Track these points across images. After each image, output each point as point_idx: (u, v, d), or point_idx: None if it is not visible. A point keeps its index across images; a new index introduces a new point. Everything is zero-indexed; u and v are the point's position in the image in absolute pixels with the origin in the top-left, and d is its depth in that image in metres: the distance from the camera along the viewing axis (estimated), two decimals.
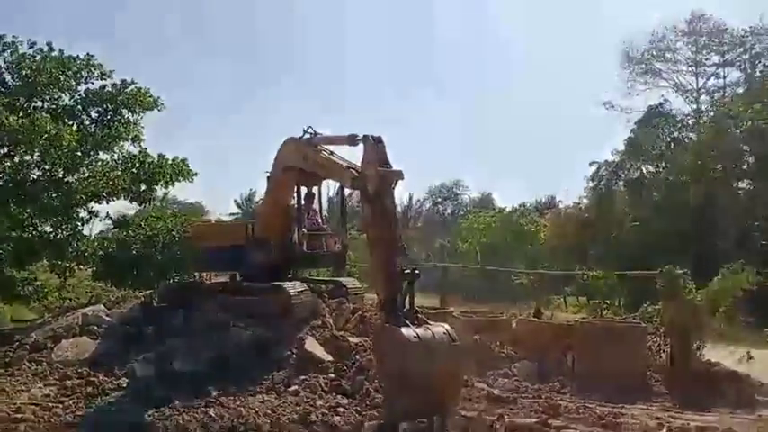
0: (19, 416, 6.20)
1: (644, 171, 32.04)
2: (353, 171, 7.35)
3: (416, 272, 6.63)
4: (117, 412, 6.56)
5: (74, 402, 6.92)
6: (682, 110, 34.79)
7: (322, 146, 8.26)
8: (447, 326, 6.60)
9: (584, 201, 35.77)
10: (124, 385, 7.66)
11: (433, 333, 6.22)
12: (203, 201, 46.79)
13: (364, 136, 7.13)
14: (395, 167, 6.92)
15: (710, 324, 10.35)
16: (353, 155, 7.60)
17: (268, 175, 9.85)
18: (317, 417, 6.51)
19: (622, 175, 32.99)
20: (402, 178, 7.00)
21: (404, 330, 6.04)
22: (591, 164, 33.53)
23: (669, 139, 30.28)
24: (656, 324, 10.55)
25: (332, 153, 8.17)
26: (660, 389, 9.13)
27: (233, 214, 45.63)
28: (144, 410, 6.50)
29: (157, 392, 7.24)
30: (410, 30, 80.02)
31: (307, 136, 8.43)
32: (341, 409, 6.91)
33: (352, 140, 7.49)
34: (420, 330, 6.15)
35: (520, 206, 35.82)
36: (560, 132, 79.07)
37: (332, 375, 7.93)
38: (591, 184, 34.11)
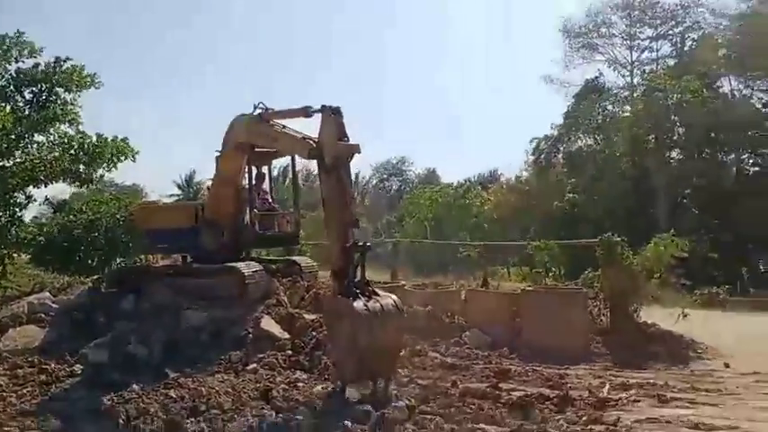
0: None
1: (581, 144, 33.11)
2: (310, 141, 7.34)
3: (368, 244, 6.91)
4: (74, 399, 6.50)
5: (28, 391, 6.79)
6: (617, 83, 36.04)
7: (274, 120, 8.23)
8: (395, 297, 6.91)
9: (525, 174, 36.79)
10: (78, 372, 7.54)
11: (381, 304, 6.53)
12: (141, 183, 45.44)
13: (322, 106, 7.13)
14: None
15: (646, 288, 10.94)
16: (307, 128, 7.63)
17: (217, 154, 9.74)
18: (278, 392, 6.62)
19: (561, 148, 34.01)
20: (359, 152, 7.10)
21: (354, 303, 6.31)
22: (531, 140, 34.44)
23: (605, 113, 31.27)
24: (596, 290, 11.09)
25: (284, 127, 8.15)
26: (602, 350, 9.68)
27: (173, 195, 44.55)
28: (102, 396, 6.46)
29: (113, 377, 7.17)
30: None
31: (258, 111, 8.34)
32: (300, 384, 7.03)
33: (306, 112, 7.52)
34: (370, 302, 6.44)
35: (465, 181, 36.41)
36: (502, 107, 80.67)
37: (289, 352, 8.02)
38: (531, 158, 35.09)
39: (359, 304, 6.33)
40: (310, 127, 7.52)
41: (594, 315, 10.86)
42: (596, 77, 35.16)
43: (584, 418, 6.08)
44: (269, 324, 8.64)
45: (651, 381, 7.84)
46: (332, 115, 7.04)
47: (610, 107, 32.75)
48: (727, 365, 8.89)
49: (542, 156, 34.24)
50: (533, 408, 6.30)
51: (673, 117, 29.28)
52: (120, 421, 5.77)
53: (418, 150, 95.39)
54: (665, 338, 10.06)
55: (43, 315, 9.53)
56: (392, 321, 6.58)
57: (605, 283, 10.80)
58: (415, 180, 55.61)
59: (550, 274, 19.35)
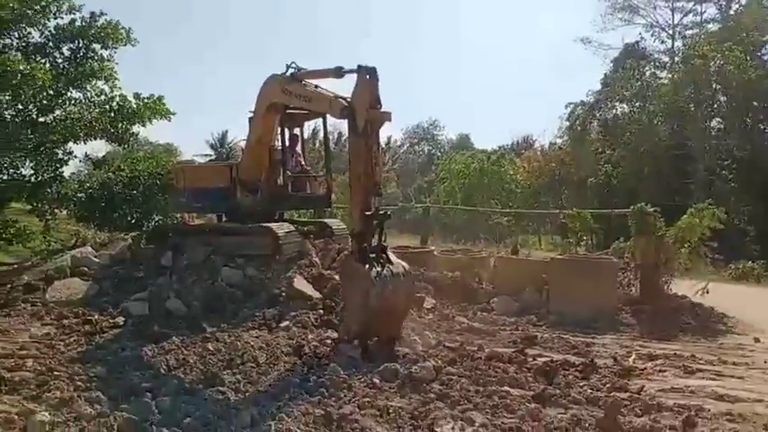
0: (24, 352, 6.44)
1: (618, 111, 32.34)
2: (342, 101, 7.44)
3: (388, 213, 7.34)
4: (118, 348, 6.83)
5: (74, 340, 7.16)
6: (658, 47, 34.88)
7: (306, 80, 8.32)
8: (406, 264, 7.33)
9: (560, 141, 36.20)
10: (120, 324, 7.90)
11: (392, 271, 6.96)
12: (174, 142, 46.17)
13: (358, 66, 7.18)
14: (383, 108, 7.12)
15: (678, 260, 10.84)
16: (340, 89, 7.71)
17: (251, 115, 9.89)
18: (310, 349, 6.85)
19: (598, 115, 33.30)
20: (389, 120, 7.22)
21: (367, 268, 6.73)
22: (567, 105, 33.74)
23: (643, 79, 30.35)
24: (627, 260, 11.04)
25: (317, 86, 8.22)
26: (630, 321, 9.65)
27: (207, 155, 45.13)
28: (143, 346, 6.79)
29: (154, 330, 7.48)
30: None
31: (290, 71, 8.39)
32: (329, 342, 7.26)
33: (337, 72, 7.62)
34: (384, 270, 6.86)
35: (499, 148, 35.98)
36: (538, 71, 78.97)
37: (320, 311, 8.25)
38: (566, 124, 34.46)
39: (371, 270, 6.73)
40: (344, 88, 7.60)
41: (624, 285, 10.85)
42: (636, 42, 34.11)
43: (607, 386, 6.16)
44: (301, 284, 8.87)
45: (678, 352, 7.83)
46: (367, 77, 7.10)
47: (649, 73, 31.78)
48: (757, 340, 8.82)
49: (578, 122, 33.60)
50: (558, 373, 6.40)
51: (714, 85, 28.35)
52: (162, 370, 6.06)
53: (450, 115, 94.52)
54: (696, 311, 9.99)
55: (86, 268, 9.96)
56: (401, 288, 7.03)
57: (636, 253, 10.74)
58: (447, 145, 55.19)
59: (582, 244, 19.23)
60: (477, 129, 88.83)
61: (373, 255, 6.93)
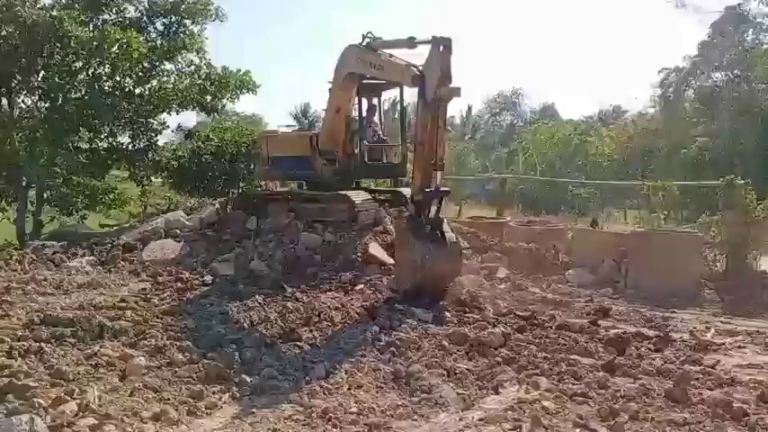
0: (123, 304, 7.06)
1: (717, 78, 30.36)
2: (414, 69, 7.65)
3: (448, 190, 7.99)
4: (206, 304, 7.36)
5: (167, 295, 7.75)
6: (763, 10, 32.29)
7: (381, 50, 8.49)
8: (456, 237, 8.13)
9: (652, 111, 34.49)
10: (209, 282, 8.46)
11: (443, 247, 7.63)
12: (260, 113, 47.58)
13: (432, 37, 7.34)
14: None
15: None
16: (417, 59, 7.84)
17: (329, 85, 10.14)
18: (383, 311, 7.12)
19: (694, 83, 31.42)
20: (459, 95, 7.44)
21: (419, 242, 7.41)
22: (660, 71, 32.01)
23: (745, 44, 28.26)
24: (713, 234, 10.61)
25: (391, 56, 8.41)
26: (713, 297, 9.36)
27: (290, 125, 46.22)
28: (230, 302, 7.29)
29: (239, 288, 7.99)
30: None
31: (366, 41, 8.60)
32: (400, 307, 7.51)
33: (410, 43, 7.85)
34: (435, 245, 7.51)
35: (587, 119, 34.63)
36: (628, 35, 74.98)
37: (393, 276, 8.48)
38: (659, 92, 32.74)
39: (423, 247, 7.39)
40: (421, 59, 7.69)
41: (710, 261, 10.45)
42: (738, 4, 31.71)
43: (681, 359, 6.07)
44: (376, 250, 9.14)
45: (761, 329, 7.55)
46: (440, 49, 7.19)
47: (751, 38, 29.57)
48: None
49: (671, 90, 31.86)
50: (630, 345, 6.35)
51: None
52: (245, 325, 6.50)
53: (535, 82, 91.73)
54: None
55: (178, 231, 10.68)
56: (450, 260, 7.75)
57: (724, 227, 10.30)
58: (530, 115, 53.77)
59: (664, 217, 18.47)
60: (563, 98, 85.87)
61: (429, 226, 7.51)
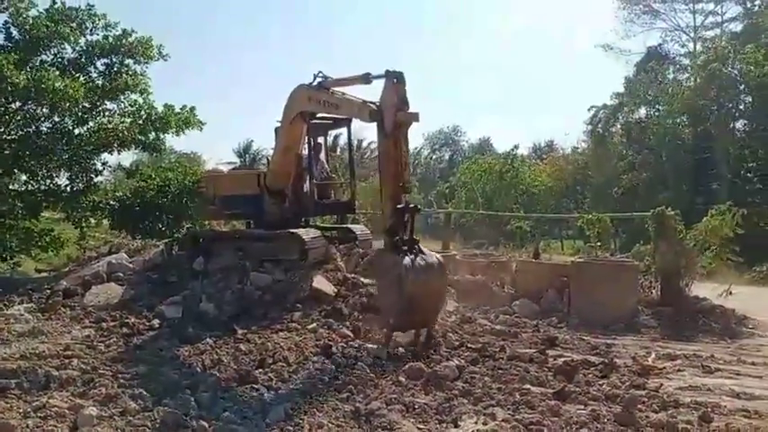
0: (68, 353, 6.82)
1: (641, 114, 32.22)
2: (371, 105, 7.83)
3: (418, 207, 7.90)
4: (157, 348, 7.19)
5: (114, 341, 7.52)
6: (680, 50, 34.72)
7: (333, 88, 8.66)
8: (438, 255, 7.74)
9: (583, 145, 36.14)
10: (156, 326, 8.26)
11: (426, 261, 7.29)
12: (199, 150, 47.06)
13: (386, 71, 7.55)
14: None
15: (699, 263, 10.92)
16: (368, 95, 8.12)
17: (278, 124, 10.24)
18: (337, 349, 7.14)
19: (621, 118, 33.20)
20: (417, 120, 7.58)
21: (403, 258, 7.05)
22: (589, 108, 33.74)
23: (666, 82, 30.20)
24: (647, 263, 11.15)
25: (344, 94, 8.60)
26: (650, 322, 9.79)
27: (231, 162, 45.86)
28: (180, 346, 7.14)
29: (188, 332, 7.84)
30: None
31: (318, 80, 8.75)
32: (354, 343, 7.54)
33: (366, 79, 8.05)
34: (417, 258, 7.18)
35: (513, 147, 35.63)
36: (560, 77, 78.74)
37: (346, 311, 8.53)
38: (589, 128, 34.41)
39: (406, 259, 7.04)
40: (373, 95, 7.96)
41: (645, 288, 10.96)
42: (659, 45, 34.03)
43: (626, 384, 6.34)
44: (321, 283, 9.18)
45: (697, 352, 7.96)
46: (395, 82, 7.45)
47: (671, 76, 31.64)
48: None
49: (600, 125, 33.55)
50: (578, 372, 6.59)
51: (740, 86, 28.09)
52: (198, 369, 6.39)
53: (472, 121, 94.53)
54: (716, 313, 10.07)
55: (121, 274, 10.40)
56: (436, 276, 7.35)
57: (657, 256, 10.84)
58: (468, 150, 55.25)
59: (603, 248, 19.24)
60: (499, 133, 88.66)
61: (405, 247, 7.28)
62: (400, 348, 7.40)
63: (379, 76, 7.72)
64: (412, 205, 7.59)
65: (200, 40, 79.73)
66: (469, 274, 11.44)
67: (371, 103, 7.83)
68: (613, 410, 5.41)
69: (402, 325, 7.28)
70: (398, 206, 7.39)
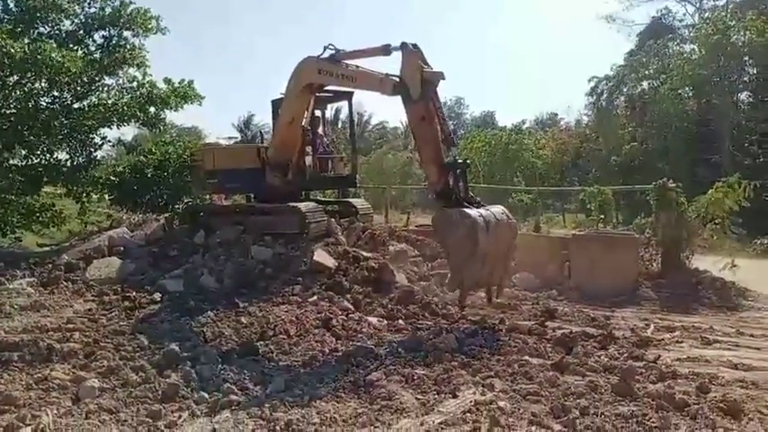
0: (71, 326, 6.86)
1: (645, 86, 31.87)
2: (393, 78, 7.80)
3: (467, 161, 7.73)
4: (158, 322, 7.24)
5: (115, 314, 7.57)
6: (685, 21, 34.16)
7: (345, 61, 8.58)
8: (501, 207, 7.56)
9: (585, 117, 35.85)
10: (158, 299, 8.30)
11: (492, 212, 7.15)
12: (200, 125, 46.90)
13: (402, 43, 7.60)
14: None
15: (701, 235, 10.90)
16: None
17: (275, 97, 10.15)
18: (338, 322, 7.19)
19: (624, 90, 32.86)
20: (444, 78, 7.58)
21: (469, 210, 6.93)
22: (590, 79, 33.38)
23: (668, 54, 29.80)
24: (648, 235, 11.13)
25: (358, 67, 8.55)
26: (650, 295, 9.78)
27: (231, 137, 45.73)
28: (181, 319, 7.18)
29: (189, 305, 7.88)
30: None
31: (329, 52, 8.66)
32: (354, 316, 7.60)
33: (386, 50, 8.05)
34: (482, 210, 7.07)
35: (520, 122, 35.65)
36: (563, 48, 77.80)
37: (346, 284, 8.56)
38: (590, 100, 34.09)
39: (474, 212, 6.92)
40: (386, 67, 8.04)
41: (646, 260, 10.95)
42: (662, 15, 33.51)
43: (624, 355, 6.37)
44: (321, 256, 9.19)
45: (697, 324, 7.99)
46: (414, 50, 7.49)
47: (675, 47, 31.21)
48: None
49: (602, 98, 33.24)
50: (576, 344, 6.63)
51: (745, 58, 27.72)
52: (200, 342, 6.44)
53: (476, 92, 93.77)
54: (717, 285, 10.05)
55: (123, 248, 10.40)
56: (504, 228, 7.23)
57: (657, 229, 10.83)
58: (471, 123, 54.93)
59: (605, 220, 19.23)
60: (503, 106, 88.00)
61: (466, 203, 7.21)
62: (401, 321, 7.48)
63: (396, 48, 7.75)
64: (461, 160, 7.50)
65: (198, 14, 78.78)
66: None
67: (393, 75, 7.81)
68: (611, 381, 5.44)
69: (475, 282, 7.21)
70: (443, 164, 7.36)
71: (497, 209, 7.31)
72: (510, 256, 7.65)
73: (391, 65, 7.97)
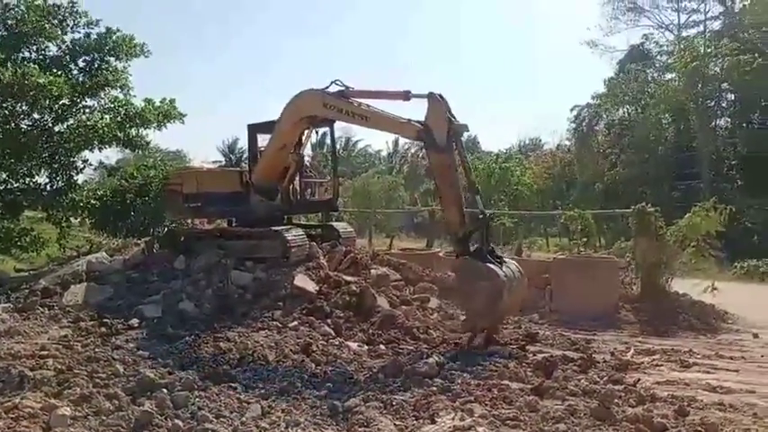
0: (44, 353, 6.72)
1: (624, 112, 32.41)
2: (416, 124, 8.02)
3: (489, 215, 8.18)
4: (134, 348, 7.11)
5: (91, 341, 7.43)
6: (664, 48, 34.80)
7: (354, 99, 8.66)
8: (515, 263, 8.12)
9: (568, 143, 36.32)
10: (135, 325, 8.17)
11: (512, 270, 7.73)
12: (185, 148, 46.87)
13: (429, 93, 7.91)
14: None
15: (680, 259, 11.00)
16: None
17: (250, 122, 10.32)
18: (317, 347, 7.12)
19: (604, 116, 33.37)
20: (468, 130, 8.17)
21: (492, 267, 7.41)
22: (572, 108, 33.89)
23: (648, 80, 30.36)
24: (628, 259, 11.22)
25: (368, 106, 8.66)
26: (630, 318, 9.87)
27: (217, 161, 45.67)
28: (158, 345, 7.08)
29: (168, 331, 7.76)
30: None
31: (336, 88, 8.71)
32: (334, 341, 7.53)
33: (406, 96, 8.23)
34: (504, 268, 7.57)
35: (507, 150, 36.03)
36: (545, 74, 79.12)
37: (327, 309, 8.49)
38: (573, 126, 34.57)
39: (499, 270, 7.41)
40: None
41: (626, 284, 11.03)
42: (642, 43, 34.18)
43: (604, 379, 6.37)
44: (302, 281, 9.11)
45: (676, 347, 8.04)
46: (441, 100, 7.83)
47: (654, 74, 31.82)
48: (755, 336, 9.00)
49: (584, 124, 33.71)
50: (556, 368, 6.62)
51: (723, 84, 28.31)
52: (176, 368, 6.33)
53: (459, 117, 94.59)
54: (696, 309, 10.17)
55: (101, 273, 10.25)
56: (519, 285, 7.87)
57: (638, 252, 10.92)
58: None
59: (586, 244, 19.34)
60: (485, 131, 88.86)
61: (487, 256, 7.58)
62: (381, 346, 7.44)
63: (419, 96, 8.01)
64: (485, 214, 7.88)
65: (189, 37, 79.27)
66: (452, 271, 11.42)
67: (416, 121, 8.02)
68: (590, 405, 5.42)
69: (484, 330, 7.70)
70: (477, 216, 7.76)
71: (513, 266, 7.87)
72: (519, 308, 8.41)
73: (394, 107, 8.43)
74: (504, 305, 7.52)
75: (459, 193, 7.86)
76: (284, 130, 9.68)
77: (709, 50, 27.09)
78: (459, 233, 7.80)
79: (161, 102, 14.31)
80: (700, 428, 4.92)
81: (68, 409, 5.15)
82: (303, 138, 10.31)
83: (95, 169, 17.76)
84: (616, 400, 5.58)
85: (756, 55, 25.94)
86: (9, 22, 13.35)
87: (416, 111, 8.15)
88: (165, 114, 14.27)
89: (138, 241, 12.14)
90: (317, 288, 9.05)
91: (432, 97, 7.88)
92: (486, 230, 7.90)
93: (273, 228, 10.03)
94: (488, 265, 7.42)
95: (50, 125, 13.80)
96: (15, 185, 13.82)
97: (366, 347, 7.37)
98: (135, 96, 14.25)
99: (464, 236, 7.77)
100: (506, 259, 7.97)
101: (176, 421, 5.00)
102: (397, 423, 5.09)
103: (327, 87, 8.77)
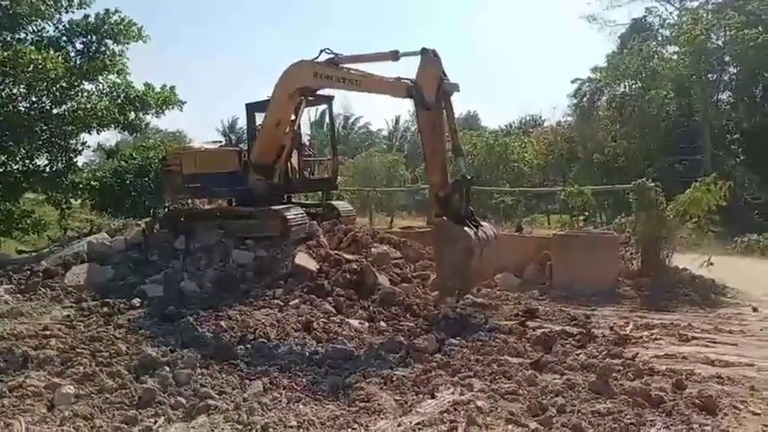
0: (47, 333, 6.78)
1: (626, 87, 32.09)
2: (406, 81, 7.88)
3: (471, 177, 8.00)
4: (136, 327, 7.16)
5: (93, 321, 7.50)
6: (668, 21, 34.34)
7: (345, 65, 8.61)
8: (491, 227, 8.22)
9: (568, 118, 36.08)
10: (137, 305, 8.23)
11: (486, 233, 7.77)
12: (184, 129, 46.69)
13: (422, 48, 7.75)
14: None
15: (679, 234, 10.98)
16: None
17: (249, 100, 10.18)
18: (318, 325, 7.17)
19: (606, 91, 33.05)
20: (458, 90, 7.82)
21: (466, 229, 7.47)
22: (573, 81, 33.56)
23: (650, 54, 30.00)
24: (628, 234, 11.21)
25: (357, 71, 8.59)
26: (630, 293, 9.86)
27: (217, 141, 45.48)
28: (160, 324, 7.13)
29: (169, 310, 7.81)
30: None
31: (325, 57, 8.65)
32: (335, 318, 7.59)
33: (394, 56, 8.15)
34: (479, 231, 7.65)
35: (507, 126, 35.82)
36: (546, 49, 78.43)
37: (327, 287, 8.54)
38: (573, 101, 34.29)
39: (471, 231, 7.40)
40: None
41: (626, 259, 11.03)
42: (644, 17, 33.78)
43: (603, 353, 6.42)
44: (302, 259, 9.17)
45: (675, 322, 8.06)
46: (435, 57, 7.65)
47: (656, 48, 31.43)
48: (755, 309, 9.02)
49: (585, 99, 33.42)
50: (556, 343, 6.67)
51: (725, 58, 27.99)
52: (178, 346, 6.38)
53: (460, 93, 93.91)
54: (696, 283, 10.15)
55: (102, 254, 10.30)
56: (492, 248, 7.90)
57: (638, 227, 10.90)
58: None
59: (584, 220, 19.35)
60: (486, 106, 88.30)
61: (465, 218, 7.59)
62: (382, 323, 7.49)
63: (411, 53, 7.89)
64: (469, 177, 7.80)
65: (185, 20, 78.53)
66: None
67: (405, 79, 7.88)
68: (589, 379, 5.47)
69: (455, 292, 7.89)
70: (457, 178, 7.72)
71: (490, 230, 7.93)
72: (492, 272, 8.44)
73: (392, 70, 8.27)
74: (476, 267, 7.56)
75: (443, 154, 7.82)
76: (278, 105, 9.64)
77: (713, 22, 26.69)
78: (440, 194, 7.80)
79: (161, 88, 14.27)
80: (697, 401, 4.96)
81: (72, 387, 5.22)
82: (298, 113, 10.21)
83: (94, 151, 17.68)
84: (614, 374, 5.63)
85: (761, 29, 25.61)
86: (4, 2, 13.22)
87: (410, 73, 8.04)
88: (165, 100, 14.23)
89: (139, 222, 12.16)
90: (318, 266, 9.09)
91: (425, 53, 7.76)
92: (467, 193, 7.84)
93: (273, 207, 10.04)
94: (461, 227, 7.47)
95: (49, 107, 13.76)
96: (15, 168, 13.81)
97: (367, 324, 7.43)
98: (132, 81, 14.19)
99: (445, 197, 7.78)
100: (483, 224, 8.00)
101: (179, 398, 5.07)
102: (398, 398, 5.14)
103: (317, 57, 8.71)
